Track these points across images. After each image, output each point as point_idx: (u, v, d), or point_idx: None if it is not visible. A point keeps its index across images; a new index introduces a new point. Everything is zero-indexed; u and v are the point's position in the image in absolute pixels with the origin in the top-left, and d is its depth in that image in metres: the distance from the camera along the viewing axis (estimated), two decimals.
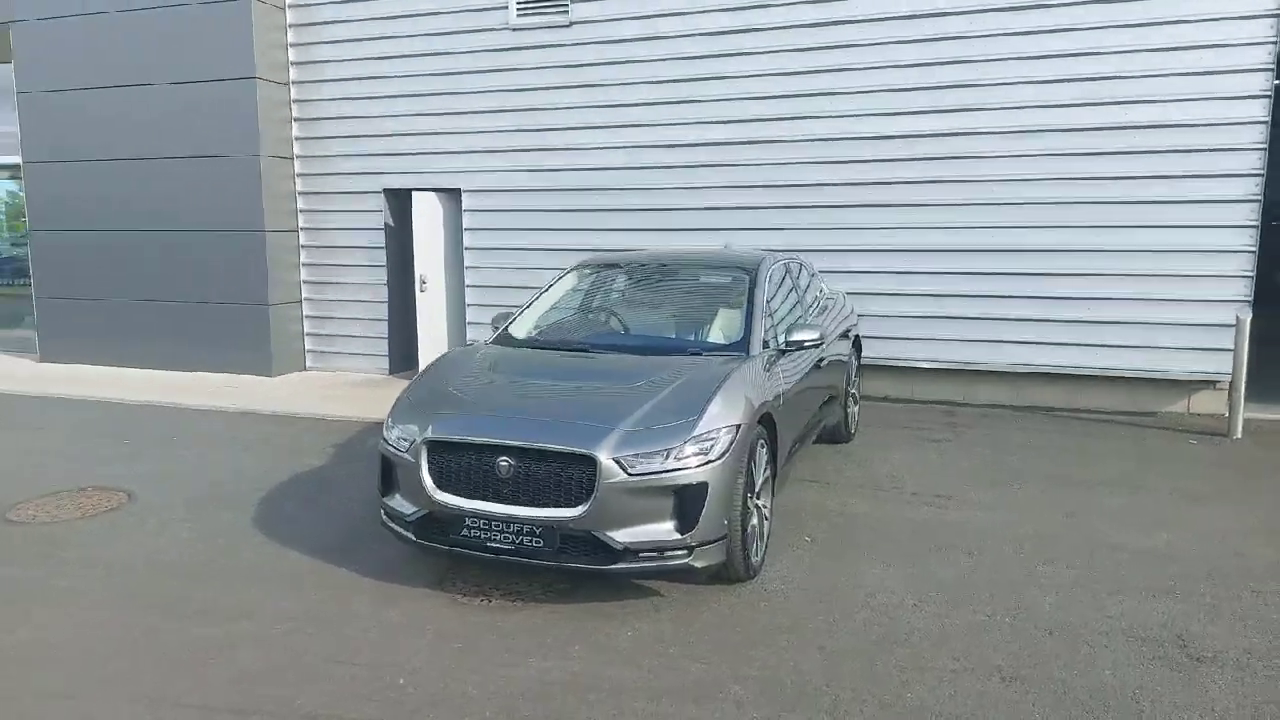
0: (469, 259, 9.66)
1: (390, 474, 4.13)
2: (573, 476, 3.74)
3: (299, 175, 10.20)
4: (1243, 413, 7.02)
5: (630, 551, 3.72)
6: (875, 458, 6.45)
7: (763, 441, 4.32)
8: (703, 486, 3.75)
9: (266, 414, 7.97)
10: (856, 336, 7.04)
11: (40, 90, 10.32)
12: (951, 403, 8.34)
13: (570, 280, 5.69)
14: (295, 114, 10.08)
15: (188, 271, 10.06)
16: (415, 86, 9.52)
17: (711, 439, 3.83)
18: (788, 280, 5.74)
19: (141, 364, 10.30)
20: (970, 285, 8.08)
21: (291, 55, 9.97)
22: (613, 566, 3.75)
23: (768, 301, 5.08)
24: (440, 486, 3.93)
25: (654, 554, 3.76)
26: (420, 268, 9.71)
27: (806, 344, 4.90)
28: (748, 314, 4.89)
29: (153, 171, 10.01)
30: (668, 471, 3.72)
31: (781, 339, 4.94)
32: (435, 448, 3.97)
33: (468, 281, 9.66)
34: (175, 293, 10.15)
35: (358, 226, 10.02)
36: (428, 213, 9.61)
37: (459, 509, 3.86)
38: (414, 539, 4.03)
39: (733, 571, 4.04)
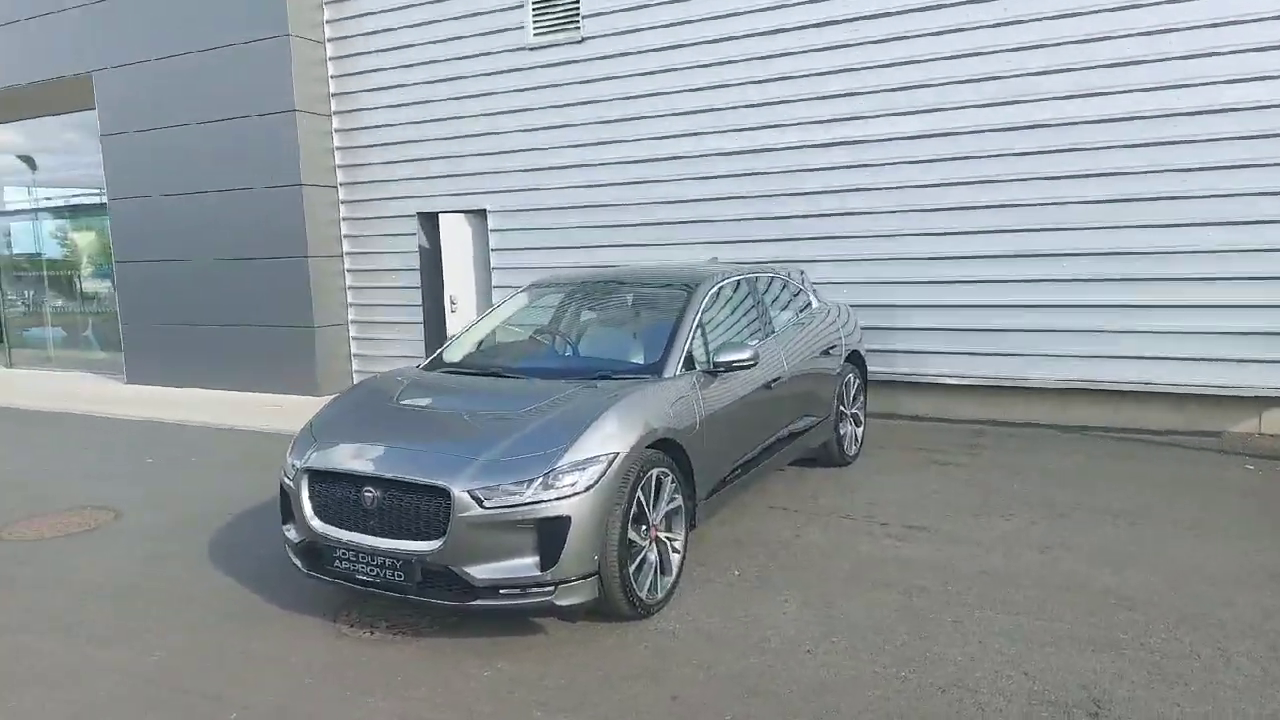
0: (496, 279, 9.74)
1: (285, 502, 4.14)
2: (429, 509, 3.63)
3: (343, 202, 10.58)
4: None
5: (490, 588, 3.57)
6: (865, 483, 6.03)
7: (666, 471, 4.07)
8: (564, 521, 3.56)
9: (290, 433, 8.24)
10: (855, 352, 6.61)
11: (118, 132, 11.15)
12: (988, 421, 7.75)
13: (518, 301, 5.59)
14: (337, 143, 10.47)
15: (243, 297, 10.60)
16: (439, 111, 9.71)
17: (578, 470, 3.63)
18: (741, 297, 5.44)
19: (206, 384, 10.91)
20: (1006, 295, 7.47)
21: (331, 87, 10.37)
22: (472, 604, 3.60)
23: (699, 321, 4.81)
24: (318, 515, 3.91)
25: (516, 591, 3.59)
26: (450, 289, 9.87)
27: (736, 364, 4.60)
28: (671, 334, 4.65)
29: (209, 204, 10.63)
30: (525, 505, 3.55)
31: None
32: (314, 476, 3.95)
33: (495, 301, 9.74)
34: (233, 317, 10.71)
35: (395, 250, 10.30)
36: (456, 234, 9.77)
37: (334, 540, 3.82)
38: (302, 569, 4.02)
39: (615, 610, 3.82)
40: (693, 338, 4.70)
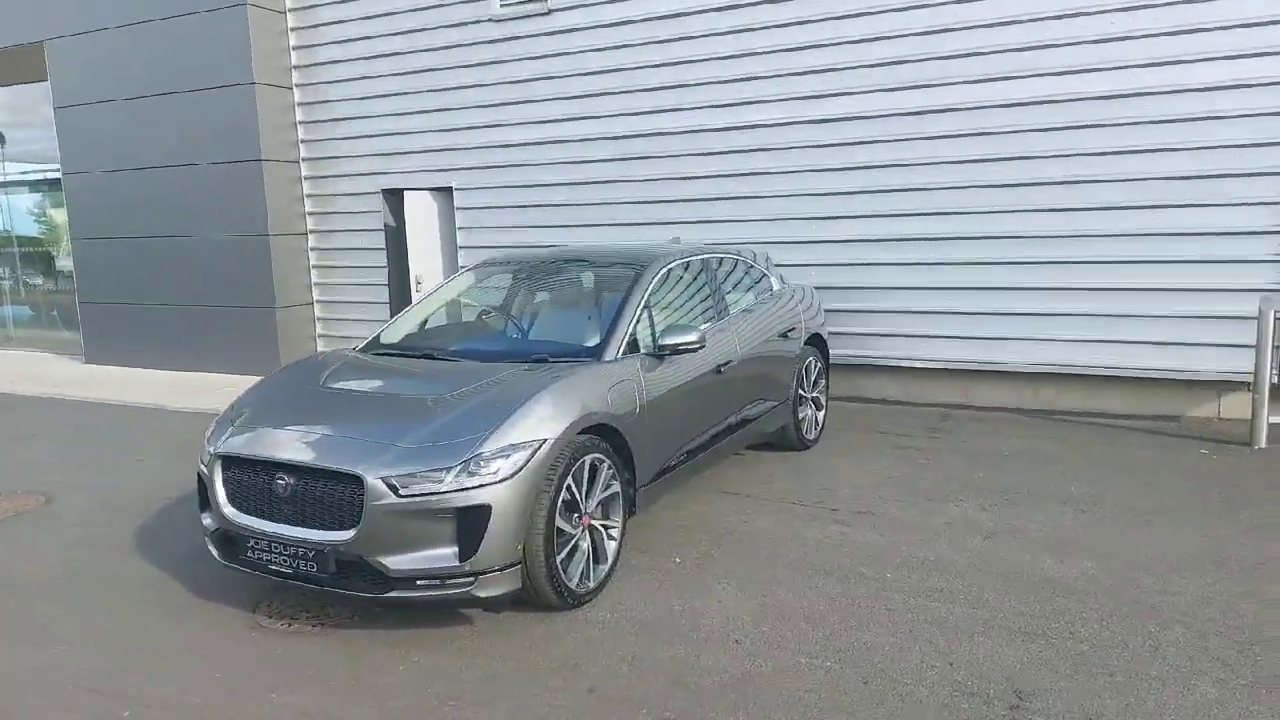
0: (462, 258, 9.56)
1: (202, 488, 4.00)
2: (342, 497, 3.50)
3: (306, 179, 10.36)
4: (1267, 418, 6.09)
5: (406, 580, 3.46)
6: (822, 467, 5.94)
7: (602, 457, 3.95)
8: (484, 510, 3.44)
9: None
10: (817, 335, 6.49)
11: (71, 105, 10.86)
12: (954, 405, 7.66)
13: (464, 280, 5.45)
14: (299, 117, 10.23)
15: (203, 276, 10.38)
16: (404, 85, 9.49)
17: (501, 456, 3.51)
18: (693, 278, 5.31)
19: (165, 365, 10.72)
20: (971, 277, 7.37)
21: (294, 59, 10.12)
22: (387, 595, 3.49)
23: (645, 302, 4.68)
24: (232, 502, 3.78)
25: (434, 582, 3.48)
26: (415, 268, 9.69)
27: (682, 347, 4.48)
28: (614, 316, 4.52)
29: (167, 180, 10.38)
30: (443, 493, 3.43)
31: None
32: (227, 462, 3.82)
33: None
34: (193, 297, 10.50)
35: (360, 228, 10.10)
36: (421, 213, 9.58)
37: (248, 528, 3.70)
38: (219, 558, 3.90)
39: (541, 600, 3.71)
40: (637, 320, 4.57)
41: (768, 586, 4.07)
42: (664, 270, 4.98)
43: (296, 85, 10.16)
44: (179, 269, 10.53)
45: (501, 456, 3.51)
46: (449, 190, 9.54)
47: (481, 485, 3.45)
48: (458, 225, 9.51)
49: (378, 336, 5.00)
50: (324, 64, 9.94)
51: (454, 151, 9.36)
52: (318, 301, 10.60)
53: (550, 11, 8.67)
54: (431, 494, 3.42)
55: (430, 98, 9.37)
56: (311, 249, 10.49)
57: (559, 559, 3.70)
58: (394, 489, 3.42)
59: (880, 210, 7.56)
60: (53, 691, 3.36)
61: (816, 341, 6.49)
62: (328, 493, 3.53)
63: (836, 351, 7.89)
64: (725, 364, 5.08)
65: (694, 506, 5.18)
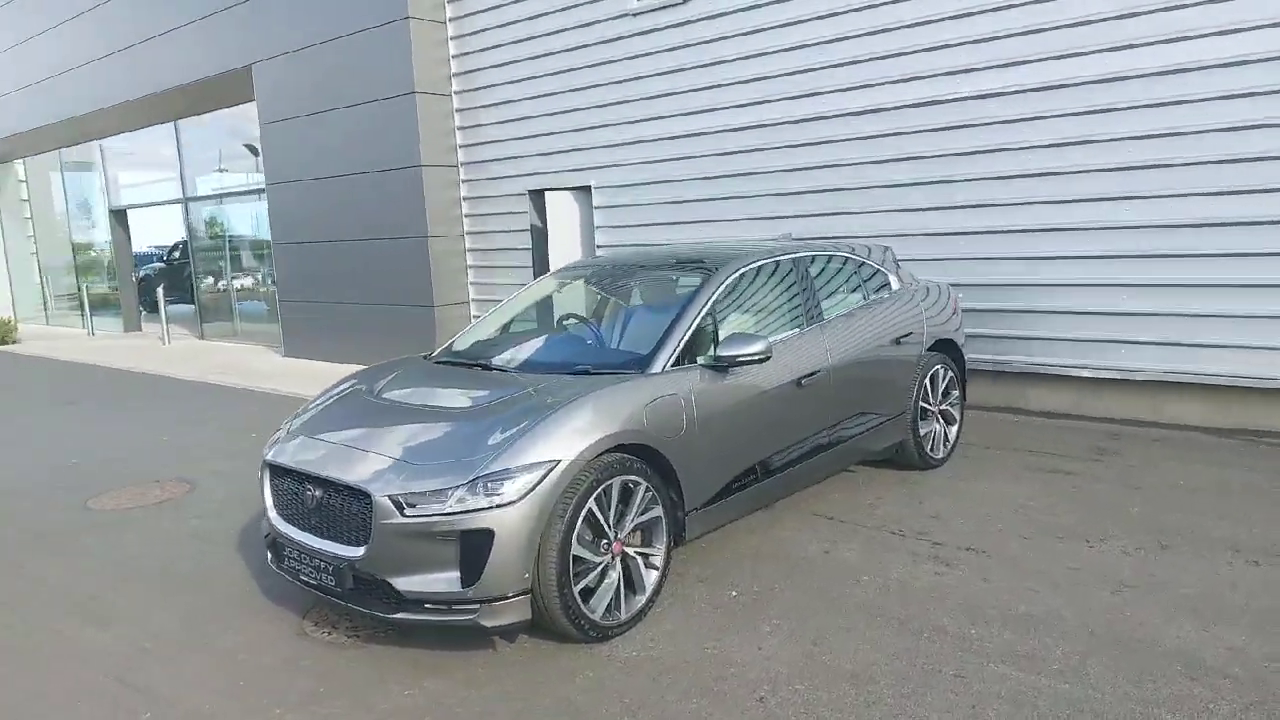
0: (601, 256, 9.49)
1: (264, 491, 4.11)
2: (356, 513, 3.44)
3: (463, 181, 10.72)
4: None
5: (414, 601, 3.34)
6: (943, 490, 5.28)
7: (637, 479, 3.65)
8: (486, 534, 3.25)
9: None
10: (947, 340, 5.78)
11: (272, 121, 11.90)
12: (1128, 421, 6.63)
13: (544, 287, 5.30)
14: (458, 123, 10.60)
15: (373, 277, 11.05)
16: (547, 85, 9.56)
17: (507, 478, 3.30)
18: (779, 280, 4.83)
19: (347, 359, 11.44)
20: (1156, 272, 6.30)
21: (453, 67, 10.48)
22: (395, 615, 3.38)
23: (710, 309, 4.29)
24: (276, 509, 3.84)
25: (441, 606, 3.34)
26: (555, 268, 9.74)
27: (743, 359, 4.07)
28: (670, 324, 4.18)
29: (344, 187, 11.12)
30: (447, 514, 3.27)
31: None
32: (273, 470, 3.88)
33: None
34: (365, 296, 11.20)
35: (510, 229, 10.32)
36: (562, 212, 9.63)
37: (286, 536, 3.74)
38: (270, 562, 3.98)
39: (559, 631, 3.48)
40: (696, 328, 4.20)
41: (823, 633, 3.59)
42: (737, 274, 4.56)
43: (455, 93, 10.52)
44: (355, 270, 11.26)
45: (509, 478, 3.30)
46: (588, 189, 9.50)
47: (485, 508, 3.25)
48: (595, 224, 9.45)
49: (451, 343, 4.97)
50: (476, 70, 10.22)
51: (592, 150, 9.31)
52: (473, 300, 10.95)
53: (686, 1, 8.36)
54: (435, 515, 3.27)
55: (569, 97, 9.37)
56: (469, 250, 10.85)
57: (578, 589, 3.44)
58: (400, 507, 3.31)
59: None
60: (82, 675, 3.55)
61: (946, 347, 5.77)
62: (345, 507, 3.49)
63: (990, 357, 7.08)
64: (809, 375, 4.58)
65: (778, 530, 4.73)
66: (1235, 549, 4.21)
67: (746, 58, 8.03)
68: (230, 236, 15.49)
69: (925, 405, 5.57)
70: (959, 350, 5.94)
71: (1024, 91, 6.60)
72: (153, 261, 19.54)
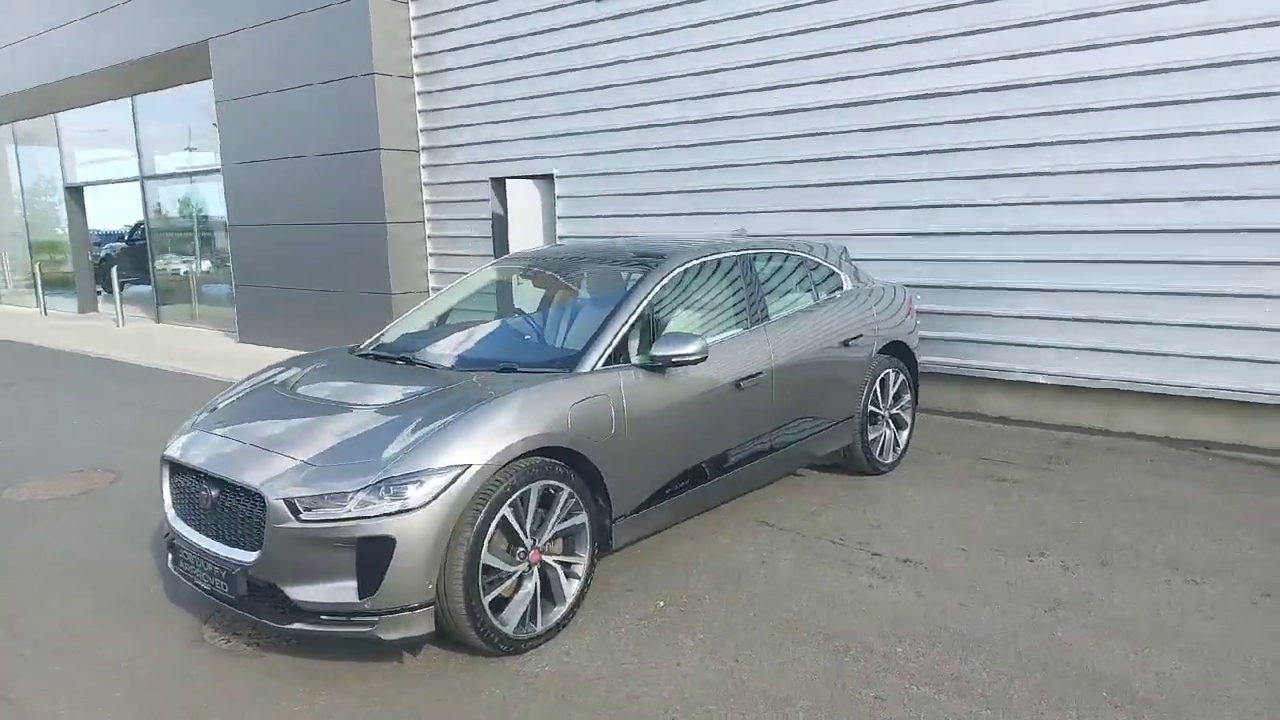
0: None
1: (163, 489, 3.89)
2: (251, 515, 3.23)
3: (424, 167, 10.46)
4: None
5: (310, 612, 3.15)
6: (888, 497, 5.15)
7: (558, 485, 3.48)
8: (386, 542, 3.06)
9: None
10: (899, 343, 5.64)
11: (229, 99, 11.56)
12: (1082, 429, 6.53)
13: (482, 277, 5.09)
14: (419, 106, 10.32)
15: (330, 262, 10.77)
16: (509, 70, 9.32)
17: (410, 482, 3.11)
18: (721, 277, 4.66)
19: (300, 346, 11.16)
20: (1115, 278, 6.20)
21: (414, 49, 10.20)
22: (289, 626, 3.19)
23: (646, 307, 4.11)
24: (174, 508, 3.63)
25: (338, 618, 3.14)
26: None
27: (677, 359, 3.90)
28: (601, 322, 3.99)
29: (301, 169, 10.82)
30: (345, 520, 3.07)
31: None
32: (172, 467, 3.66)
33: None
34: (321, 282, 10.92)
35: (471, 217, 10.08)
36: (523, 200, 9.41)
37: (180, 535, 3.53)
38: (169, 562, 3.76)
39: (467, 644, 3.30)
40: (629, 327, 4.02)
41: (745, 649, 3.44)
42: (678, 270, 4.38)
43: (417, 75, 10.24)
44: (312, 254, 10.97)
45: (415, 482, 3.11)
46: (550, 177, 9.28)
47: (386, 514, 3.06)
48: (557, 214, 9.24)
49: (381, 335, 4.75)
50: (438, 53, 9.95)
51: (555, 138, 9.08)
52: (432, 289, 10.69)
53: None
54: (332, 520, 3.07)
55: (531, 83, 9.13)
56: (429, 237, 10.60)
57: (489, 599, 3.26)
58: (295, 511, 3.11)
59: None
60: None
61: (897, 350, 5.64)
62: (239, 508, 3.29)
63: (949, 360, 6.97)
64: (750, 377, 4.41)
65: (717, 538, 4.58)
66: (1175, 566, 4.10)
67: (698, 50, 7.83)
68: (191, 216, 15.08)
69: (875, 409, 5.43)
70: (912, 353, 5.81)
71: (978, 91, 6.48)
72: (117, 241, 19.04)
